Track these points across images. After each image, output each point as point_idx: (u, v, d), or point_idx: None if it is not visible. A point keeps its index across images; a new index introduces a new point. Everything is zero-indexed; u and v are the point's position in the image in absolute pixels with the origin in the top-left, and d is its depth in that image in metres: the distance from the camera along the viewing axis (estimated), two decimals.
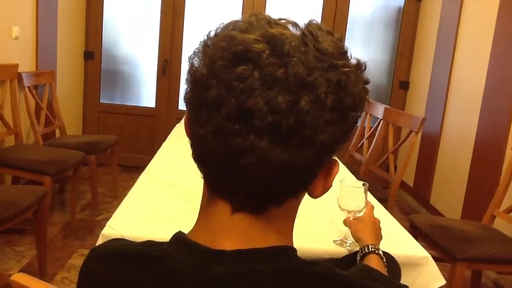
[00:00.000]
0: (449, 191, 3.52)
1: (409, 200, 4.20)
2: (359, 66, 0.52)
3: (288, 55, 0.48)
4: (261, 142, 0.48)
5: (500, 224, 2.43)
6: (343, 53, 0.52)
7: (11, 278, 0.61)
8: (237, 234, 0.53)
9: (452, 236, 2.11)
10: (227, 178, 0.52)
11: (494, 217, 2.40)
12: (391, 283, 0.58)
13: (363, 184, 1.32)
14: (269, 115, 0.47)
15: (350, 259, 1.21)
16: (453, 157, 3.51)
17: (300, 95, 0.47)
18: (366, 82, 0.53)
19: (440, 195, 3.69)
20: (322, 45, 0.50)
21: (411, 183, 4.18)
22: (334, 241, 1.35)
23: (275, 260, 0.52)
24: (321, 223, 1.47)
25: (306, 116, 0.48)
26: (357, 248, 1.29)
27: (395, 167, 3.14)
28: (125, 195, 1.60)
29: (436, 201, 3.74)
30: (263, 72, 0.47)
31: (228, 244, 0.53)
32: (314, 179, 0.54)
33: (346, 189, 1.31)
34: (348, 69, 0.50)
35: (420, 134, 3.25)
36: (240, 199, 0.53)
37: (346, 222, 1.29)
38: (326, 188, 0.56)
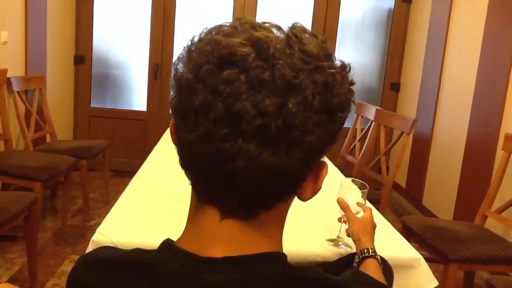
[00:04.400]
0: (441, 192, 3.53)
1: (402, 201, 4.22)
2: (344, 68, 0.53)
3: (273, 57, 0.48)
4: (250, 146, 0.48)
5: (491, 224, 2.44)
6: (328, 55, 0.52)
7: None
8: (227, 240, 0.53)
9: (444, 237, 2.12)
10: (215, 183, 0.51)
11: (486, 217, 2.41)
12: None
13: (363, 185, 1.31)
14: (257, 118, 0.47)
15: (343, 262, 1.21)
16: (445, 158, 3.53)
17: (287, 98, 0.47)
18: (352, 83, 0.53)
19: (432, 196, 3.71)
20: (307, 47, 0.50)
21: (403, 184, 4.20)
22: (328, 240, 1.34)
23: (266, 267, 0.52)
24: (312, 226, 1.46)
25: (294, 118, 0.47)
26: (350, 250, 1.29)
27: (387, 168, 3.15)
28: (117, 200, 1.59)
29: (428, 202, 3.75)
30: (250, 76, 0.47)
31: (218, 251, 0.52)
32: (304, 182, 0.54)
33: (345, 191, 1.30)
34: (334, 70, 0.50)
35: (411, 135, 3.26)
36: (229, 204, 0.53)
37: (346, 213, 1.24)
38: (315, 190, 0.56)
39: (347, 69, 0.53)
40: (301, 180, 0.53)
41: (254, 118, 0.47)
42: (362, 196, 1.30)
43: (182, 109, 0.51)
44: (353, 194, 1.29)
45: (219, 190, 0.52)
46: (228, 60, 0.48)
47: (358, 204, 1.28)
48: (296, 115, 0.47)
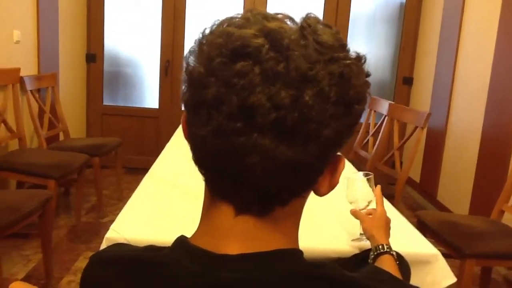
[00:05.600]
0: (456, 187, 3.49)
1: (416, 196, 4.17)
2: (360, 59, 0.51)
3: (288, 49, 0.46)
4: (265, 140, 0.46)
5: (509, 219, 2.40)
6: (343, 46, 0.50)
7: (10, 287, 0.60)
8: (241, 237, 0.52)
9: (460, 232, 2.09)
10: (230, 179, 0.50)
11: (503, 212, 2.37)
12: (402, 285, 0.56)
13: (366, 174, 1.29)
14: (272, 112, 0.45)
15: (358, 258, 1.19)
16: (460, 152, 3.48)
17: (303, 90, 0.46)
18: (368, 74, 0.52)
19: (447, 191, 3.66)
20: (321, 38, 0.48)
21: (417, 179, 4.15)
22: (353, 240, 1.32)
23: (281, 264, 0.51)
24: (327, 222, 1.45)
25: (311, 110, 0.46)
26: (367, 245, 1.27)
27: (401, 163, 3.12)
28: (130, 197, 1.59)
29: (443, 197, 3.71)
30: (264, 68, 0.46)
31: (232, 248, 0.51)
32: (320, 176, 0.52)
33: (352, 184, 1.29)
34: (349, 61, 0.49)
35: (425, 130, 3.23)
36: (243, 201, 0.51)
37: (357, 215, 1.24)
38: (332, 185, 0.54)
39: (363, 60, 0.51)
40: (318, 175, 0.52)
41: (269, 111, 0.45)
42: (369, 184, 1.28)
43: (194, 103, 0.50)
44: (360, 186, 1.28)
45: (233, 186, 0.51)
46: (241, 52, 0.47)
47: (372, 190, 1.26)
48: (312, 107, 0.46)
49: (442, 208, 3.63)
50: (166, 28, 4.30)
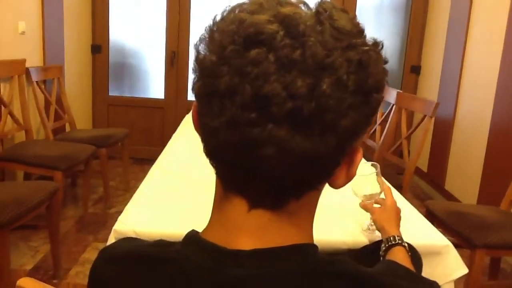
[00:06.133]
0: (464, 176, 3.46)
1: (423, 185, 4.15)
2: (377, 45, 0.49)
3: (304, 35, 0.44)
4: (280, 131, 0.44)
5: None
6: (361, 31, 0.48)
7: (17, 283, 0.59)
8: (255, 232, 0.50)
9: (470, 222, 2.07)
10: (243, 172, 0.48)
11: None
12: (420, 281, 0.54)
13: (373, 165, 1.27)
14: (288, 101, 0.43)
15: (369, 250, 1.18)
16: (468, 141, 3.44)
17: (320, 78, 0.44)
18: (386, 61, 0.49)
19: (455, 180, 3.64)
20: (338, 23, 0.46)
21: (425, 169, 4.13)
22: (363, 230, 1.31)
23: (296, 260, 0.49)
24: (337, 214, 1.43)
25: (328, 100, 0.44)
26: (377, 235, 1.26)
27: (408, 152, 3.09)
28: (137, 188, 1.58)
29: (451, 186, 3.68)
30: (279, 55, 0.44)
31: (246, 243, 0.49)
32: (337, 168, 0.50)
33: (358, 175, 1.26)
34: (367, 48, 0.47)
35: (433, 119, 3.20)
36: (257, 194, 0.50)
37: (366, 208, 1.23)
38: (349, 177, 0.52)
39: (380, 47, 0.49)
40: (335, 167, 0.50)
41: (285, 101, 0.43)
42: (377, 175, 1.26)
43: (206, 93, 0.48)
44: (367, 178, 1.26)
45: (246, 179, 0.49)
46: (254, 39, 0.44)
47: (377, 180, 1.24)
48: (330, 96, 0.44)
49: (450, 197, 3.61)
50: (172, 18, 4.27)
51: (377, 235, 1.26)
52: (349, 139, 0.48)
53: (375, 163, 1.28)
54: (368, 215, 1.28)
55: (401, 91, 3.11)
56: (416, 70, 4.41)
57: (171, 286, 0.50)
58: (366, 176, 1.26)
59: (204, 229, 0.54)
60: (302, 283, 0.48)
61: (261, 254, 0.49)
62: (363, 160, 1.28)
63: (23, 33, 3.10)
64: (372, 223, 1.27)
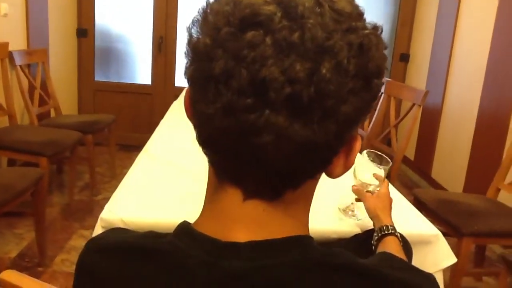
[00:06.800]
0: (451, 164, 3.49)
1: (410, 173, 4.18)
2: (377, 29, 0.47)
3: (302, 17, 0.42)
4: (278, 118, 0.42)
5: (504, 198, 2.40)
6: (361, 14, 0.46)
7: (0, 276, 0.56)
8: (251, 223, 0.48)
9: (457, 210, 2.08)
10: (239, 161, 0.46)
11: (499, 190, 2.37)
12: (418, 273, 0.53)
13: (386, 161, 1.25)
14: (287, 86, 0.41)
15: (360, 239, 1.17)
16: (455, 130, 3.46)
17: (319, 62, 0.42)
18: (385, 47, 0.48)
19: (442, 168, 3.66)
20: (338, 5, 0.44)
21: (412, 157, 4.15)
22: (340, 210, 1.31)
23: (294, 252, 0.48)
24: (326, 202, 1.42)
25: (328, 85, 0.42)
26: (360, 220, 1.26)
27: (397, 141, 3.10)
28: (124, 175, 1.56)
29: (437, 175, 3.71)
30: (276, 38, 0.42)
31: (241, 235, 0.48)
32: (335, 157, 0.49)
33: (367, 162, 1.25)
34: (368, 31, 0.45)
35: (421, 107, 3.20)
36: (253, 184, 0.48)
37: (359, 193, 1.21)
38: (347, 166, 0.51)
39: (380, 31, 0.47)
40: (333, 155, 0.48)
41: (283, 86, 0.41)
42: (384, 171, 1.24)
43: (200, 78, 0.46)
44: (369, 167, 1.25)
45: (242, 168, 0.47)
46: (251, 20, 0.42)
47: (374, 175, 1.23)
48: (330, 81, 0.42)
49: (436, 185, 3.64)
50: (159, 2, 4.19)
51: (357, 220, 1.26)
52: (349, 126, 0.46)
53: (387, 158, 1.26)
54: (351, 199, 1.28)
55: (390, 80, 3.10)
56: (405, 58, 4.40)
57: (167, 278, 0.48)
58: (375, 167, 1.24)
59: (197, 220, 0.52)
60: (300, 275, 0.47)
61: (258, 246, 0.47)
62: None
63: (5, 15, 3.01)
64: (353, 208, 1.27)
